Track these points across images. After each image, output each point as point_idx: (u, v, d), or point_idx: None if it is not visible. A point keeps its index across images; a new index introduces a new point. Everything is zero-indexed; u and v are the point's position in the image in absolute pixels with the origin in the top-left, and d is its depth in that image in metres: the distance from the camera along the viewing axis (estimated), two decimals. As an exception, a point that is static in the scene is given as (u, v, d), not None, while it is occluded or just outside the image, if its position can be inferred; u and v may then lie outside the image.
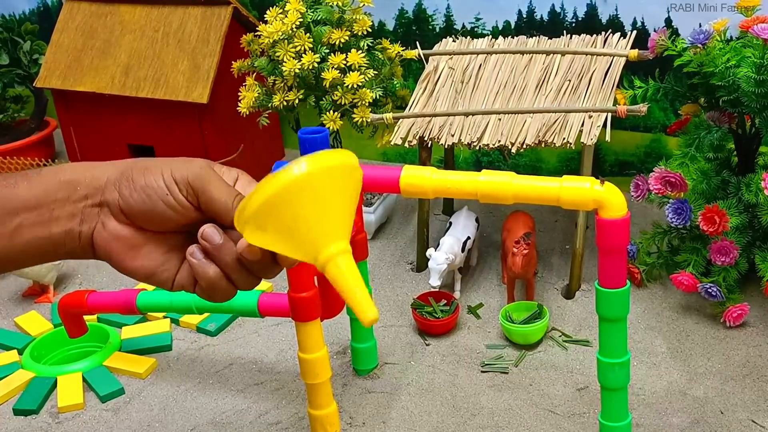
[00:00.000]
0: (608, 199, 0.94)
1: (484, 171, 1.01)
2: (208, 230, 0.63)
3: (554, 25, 1.79)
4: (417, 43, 1.66)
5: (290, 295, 1.08)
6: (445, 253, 1.44)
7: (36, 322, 1.53)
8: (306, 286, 1.07)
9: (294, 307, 1.09)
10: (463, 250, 1.50)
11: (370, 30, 1.61)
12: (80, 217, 0.64)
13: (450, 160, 1.77)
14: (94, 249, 0.65)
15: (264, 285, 1.60)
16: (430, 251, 1.46)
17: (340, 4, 1.59)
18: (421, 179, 1.03)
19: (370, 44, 1.61)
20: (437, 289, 1.46)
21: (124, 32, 1.94)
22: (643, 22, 1.72)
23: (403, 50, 1.66)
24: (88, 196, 0.64)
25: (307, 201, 0.58)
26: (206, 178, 0.63)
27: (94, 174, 0.64)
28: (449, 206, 1.85)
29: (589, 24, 1.76)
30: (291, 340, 1.44)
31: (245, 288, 0.64)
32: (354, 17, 1.61)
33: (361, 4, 1.62)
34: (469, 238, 1.53)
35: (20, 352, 1.45)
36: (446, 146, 1.51)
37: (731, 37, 1.44)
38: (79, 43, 1.98)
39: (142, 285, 1.61)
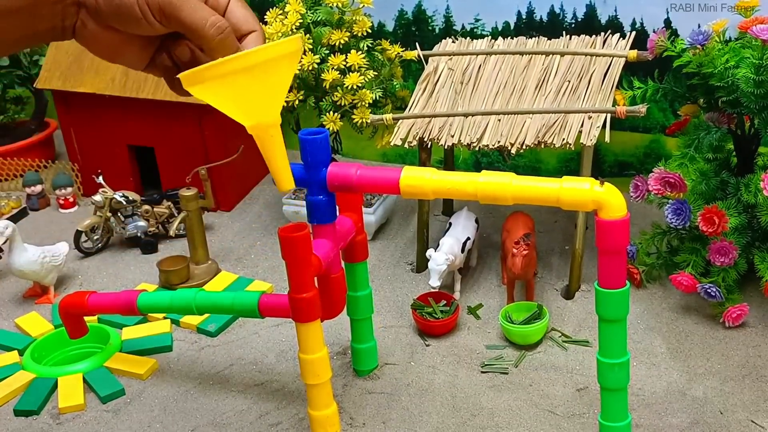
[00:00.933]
0: (608, 199, 0.94)
1: (483, 172, 1.01)
2: (179, 49, 0.71)
3: (554, 26, 1.79)
4: (417, 44, 1.67)
5: (291, 295, 1.08)
6: (444, 254, 1.44)
7: (37, 323, 1.53)
8: (306, 287, 1.07)
9: (294, 308, 1.09)
10: (462, 251, 1.50)
11: (369, 31, 1.61)
12: (61, 15, 0.67)
13: (450, 160, 1.77)
14: (77, 39, 0.70)
15: (264, 286, 1.60)
16: (429, 252, 1.46)
17: (339, 5, 1.60)
18: (421, 180, 1.03)
19: (370, 45, 1.61)
20: (437, 290, 1.46)
21: (124, 33, 1.94)
22: (642, 23, 1.72)
23: (402, 51, 1.66)
24: None
25: (256, 79, 0.68)
26: (177, 4, 0.66)
27: None
28: (449, 207, 1.85)
29: (589, 25, 1.76)
30: (291, 341, 1.44)
31: None
32: (354, 18, 1.61)
33: (361, 5, 1.62)
34: (468, 238, 1.53)
35: (21, 353, 1.45)
36: (446, 147, 1.51)
37: (730, 37, 1.44)
38: (80, 44, 1.98)
39: (142, 286, 1.61)
